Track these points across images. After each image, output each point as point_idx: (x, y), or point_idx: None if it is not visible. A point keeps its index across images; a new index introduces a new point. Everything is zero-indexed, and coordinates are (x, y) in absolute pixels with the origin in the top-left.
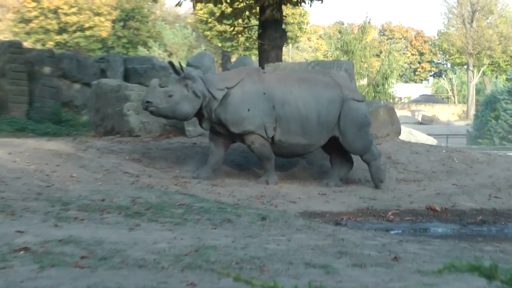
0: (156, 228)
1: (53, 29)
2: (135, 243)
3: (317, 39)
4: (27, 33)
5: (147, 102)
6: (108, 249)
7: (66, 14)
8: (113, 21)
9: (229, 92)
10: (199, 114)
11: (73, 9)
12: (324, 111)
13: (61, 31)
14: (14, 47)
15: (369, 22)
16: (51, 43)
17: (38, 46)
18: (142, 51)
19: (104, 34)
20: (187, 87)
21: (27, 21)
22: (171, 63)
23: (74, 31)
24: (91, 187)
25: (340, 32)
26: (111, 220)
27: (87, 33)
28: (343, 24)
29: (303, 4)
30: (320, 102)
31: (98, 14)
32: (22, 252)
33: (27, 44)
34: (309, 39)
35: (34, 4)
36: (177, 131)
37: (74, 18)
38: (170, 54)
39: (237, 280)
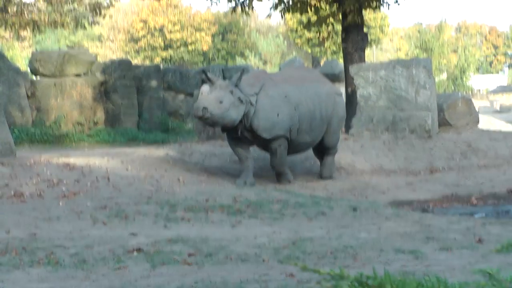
0: (256, 223)
1: (159, 46)
2: (238, 239)
3: (399, 39)
4: (137, 51)
5: (204, 108)
6: (213, 245)
7: (170, 32)
8: (213, 35)
9: (257, 98)
10: None
11: (177, 27)
12: (324, 107)
13: (166, 47)
14: (124, 64)
15: (445, 22)
16: (158, 59)
17: (147, 62)
18: (239, 61)
19: (205, 47)
20: (232, 94)
21: (136, 40)
22: (204, 71)
23: (178, 47)
24: (196, 188)
25: (419, 32)
26: (215, 219)
27: (190, 48)
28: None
29: (381, 7)
30: (320, 98)
31: (199, 30)
32: (135, 252)
33: (135, 61)
34: (391, 40)
35: (142, 24)
36: None
37: (177, 35)
38: (265, 62)
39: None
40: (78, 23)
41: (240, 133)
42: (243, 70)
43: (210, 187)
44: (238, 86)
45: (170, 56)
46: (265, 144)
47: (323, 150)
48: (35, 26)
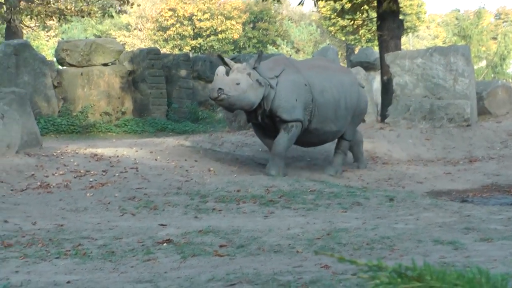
0: (289, 214)
1: (188, 35)
2: (270, 230)
3: (436, 27)
4: (165, 40)
5: (219, 89)
6: (245, 237)
7: (200, 20)
8: (244, 24)
9: (278, 81)
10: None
11: (206, 15)
12: (348, 96)
13: (196, 36)
14: (152, 53)
15: (484, 8)
16: (187, 48)
17: (176, 52)
18: (271, 49)
19: (235, 36)
20: (250, 76)
21: (165, 29)
22: (219, 56)
23: (208, 36)
24: (227, 179)
25: (457, 18)
26: (247, 209)
27: (220, 36)
28: (459, 11)
29: None
30: (345, 88)
31: (229, 18)
32: (165, 244)
33: (164, 50)
34: (428, 27)
35: (170, 13)
36: None
37: (207, 24)
38: (297, 51)
39: (341, 261)
40: (105, 12)
41: (260, 119)
42: (261, 52)
43: (242, 177)
44: (257, 69)
45: (200, 45)
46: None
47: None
48: (61, 16)
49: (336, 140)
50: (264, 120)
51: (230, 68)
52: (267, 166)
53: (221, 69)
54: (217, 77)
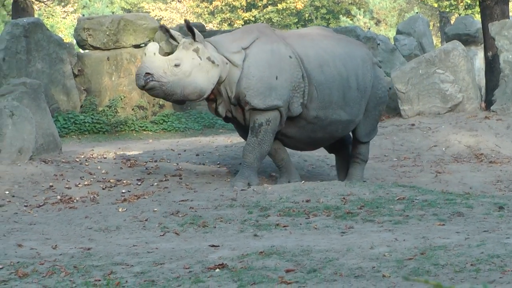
0: (372, 229)
1: (240, 6)
2: (349, 249)
3: None
4: (211, 13)
5: (147, 74)
6: (317, 258)
7: None
8: None
9: (246, 54)
10: (213, 93)
11: None
12: (360, 73)
13: (249, 7)
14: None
15: None
16: (239, 22)
17: (225, 27)
18: (344, 21)
19: (299, 6)
20: (197, 53)
21: None
22: (164, 28)
23: (265, 6)
24: (293, 186)
25: None
26: (318, 224)
27: (280, 6)
28: None
29: None
30: (355, 62)
31: None
32: (217, 270)
33: (210, 26)
34: None
35: None
36: (390, 111)
37: None
38: (377, 22)
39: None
40: None
41: (225, 112)
42: (187, 21)
43: (311, 184)
44: (213, 41)
45: (255, 17)
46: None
47: (344, 145)
48: None
49: (350, 145)
50: (232, 113)
51: (177, 42)
52: (235, 177)
53: (151, 46)
54: (145, 57)
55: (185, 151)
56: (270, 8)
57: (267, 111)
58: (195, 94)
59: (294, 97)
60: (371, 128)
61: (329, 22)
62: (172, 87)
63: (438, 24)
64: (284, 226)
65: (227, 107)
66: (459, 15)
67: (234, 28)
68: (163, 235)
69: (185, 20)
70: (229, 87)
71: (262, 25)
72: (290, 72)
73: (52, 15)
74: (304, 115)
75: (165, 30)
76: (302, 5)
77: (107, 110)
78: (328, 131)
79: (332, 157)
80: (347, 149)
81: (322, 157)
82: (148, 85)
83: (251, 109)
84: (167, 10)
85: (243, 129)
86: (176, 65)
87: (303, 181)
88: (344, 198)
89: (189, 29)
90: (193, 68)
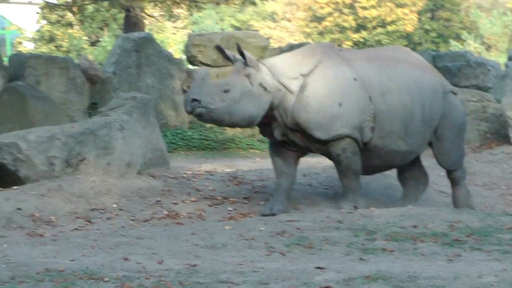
0: (480, 258)
1: (350, 27)
2: (456, 277)
3: None
4: (320, 33)
5: (194, 100)
6: (424, 285)
7: (364, 8)
8: (419, 13)
9: (306, 82)
10: (266, 118)
11: (372, 2)
12: (428, 104)
13: (359, 28)
14: None
15: None
16: (348, 42)
17: None
18: (454, 45)
19: (409, 28)
20: (249, 78)
21: (320, 19)
22: (219, 48)
23: (374, 27)
24: (400, 211)
25: None
26: (425, 250)
27: (389, 28)
28: None
29: None
30: (423, 91)
31: (401, 6)
32: None
33: None
34: None
35: None
36: (499, 139)
37: (373, 12)
38: (488, 47)
39: None
40: None
41: (281, 136)
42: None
43: (419, 210)
44: (270, 66)
45: (364, 39)
46: (323, 150)
47: (423, 171)
48: (192, 3)
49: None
50: (289, 137)
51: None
52: (345, 200)
53: (200, 71)
54: (193, 82)
55: None
56: (379, 30)
57: (338, 141)
58: (244, 121)
59: (366, 121)
60: (458, 156)
61: (439, 46)
62: (220, 113)
63: None
64: (391, 251)
65: (282, 131)
66: None
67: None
68: (269, 254)
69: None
70: (284, 113)
71: (326, 45)
72: (356, 96)
73: (162, 30)
74: (365, 143)
75: (220, 50)
76: (412, 28)
77: (215, 126)
78: (385, 160)
79: (439, 182)
80: (413, 167)
81: (430, 182)
82: (195, 111)
83: (317, 141)
84: (276, 28)
85: (294, 152)
86: (226, 91)
87: (410, 206)
88: (452, 225)
89: (240, 53)
90: (243, 95)
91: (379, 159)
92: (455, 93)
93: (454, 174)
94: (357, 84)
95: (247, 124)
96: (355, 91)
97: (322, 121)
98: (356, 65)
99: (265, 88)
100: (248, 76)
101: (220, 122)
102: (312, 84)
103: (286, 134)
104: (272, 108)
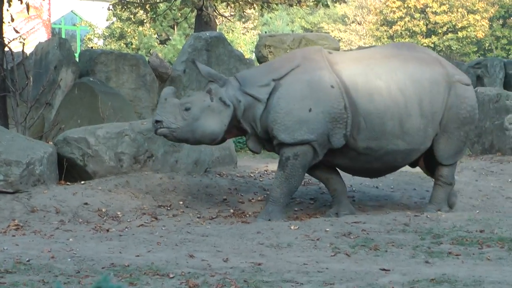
0: None
1: (420, 32)
2: None
3: None
4: (390, 37)
5: (157, 122)
6: None
7: (435, 13)
8: (491, 19)
9: (277, 86)
10: (239, 130)
11: (444, 7)
12: (427, 97)
13: (429, 33)
14: None
15: None
16: None
17: None
18: None
19: (480, 35)
20: (210, 94)
21: (391, 23)
22: (193, 61)
23: (445, 33)
24: (467, 215)
25: None
26: (491, 255)
27: (460, 34)
28: None
29: None
30: (419, 85)
31: (472, 12)
32: None
33: None
34: None
35: (398, 3)
36: None
37: (444, 18)
38: None
39: None
40: (319, 1)
41: (256, 146)
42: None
43: (486, 215)
44: (241, 77)
45: (434, 44)
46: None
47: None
48: (265, 3)
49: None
50: (266, 148)
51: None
52: (263, 213)
53: (165, 90)
54: (159, 104)
55: None
56: (450, 35)
57: (295, 145)
58: (206, 137)
59: (335, 129)
60: (454, 151)
61: (510, 52)
62: (183, 132)
63: None
64: (457, 255)
65: (258, 142)
66: None
67: None
68: (334, 255)
69: (193, 61)
70: (254, 122)
71: (311, 49)
72: (328, 103)
73: (232, 30)
74: (353, 146)
75: (193, 64)
76: (483, 34)
77: None
78: (385, 161)
79: (507, 188)
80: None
81: (497, 187)
82: (157, 132)
83: (279, 143)
84: (346, 31)
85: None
86: (187, 109)
87: (477, 211)
88: None
89: (194, 64)
90: (202, 111)
91: (379, 161)
92: (467, 84)
93: (442, 172)
94: (333, 91)
95: (210, 140)
96: (328, 98)
97: (289, 123)
98: (341, 69)
99: (224, 102)
100: (209, 91)
101: (185, 141)
102: (284, 87)
103: (263, 144)
104: (237, 120)
